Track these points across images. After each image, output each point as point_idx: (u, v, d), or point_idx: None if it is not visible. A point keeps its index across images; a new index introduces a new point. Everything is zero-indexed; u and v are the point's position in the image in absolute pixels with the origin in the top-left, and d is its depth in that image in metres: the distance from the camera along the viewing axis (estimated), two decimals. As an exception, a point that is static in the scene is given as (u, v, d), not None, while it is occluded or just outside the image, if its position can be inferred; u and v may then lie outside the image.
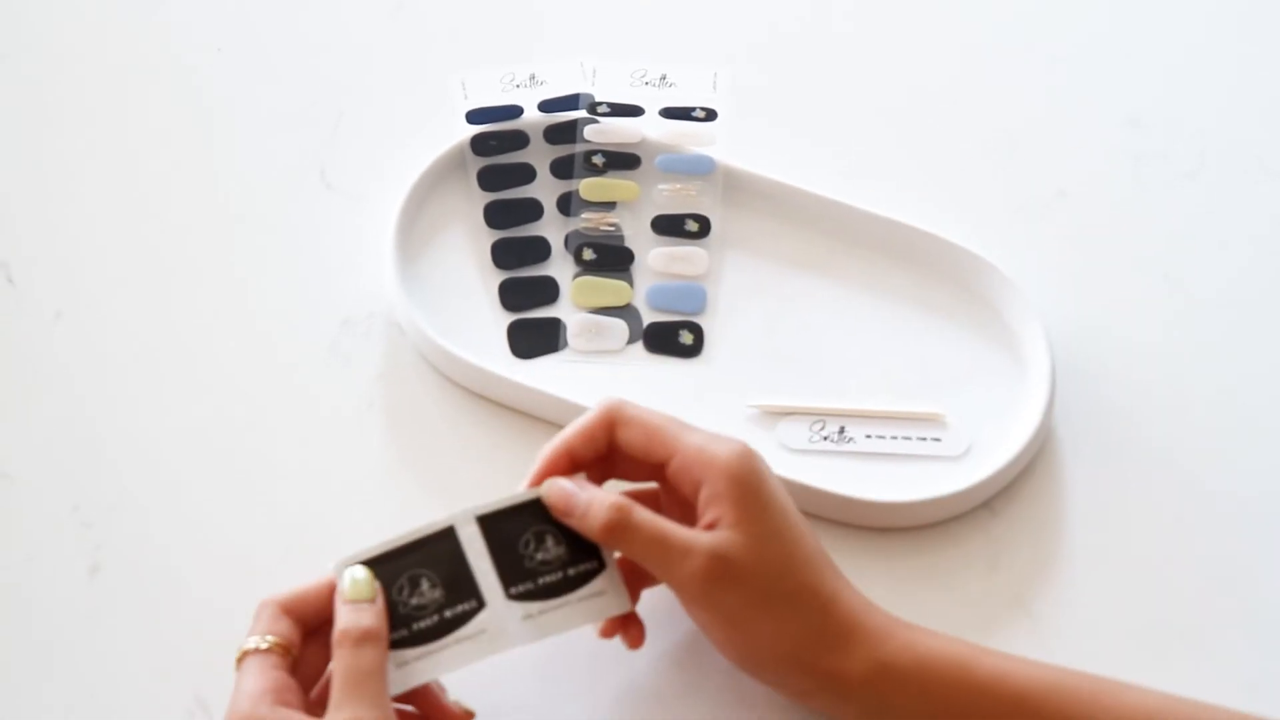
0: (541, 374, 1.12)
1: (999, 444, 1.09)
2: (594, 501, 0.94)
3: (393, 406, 1.13)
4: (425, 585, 0.93)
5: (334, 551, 0.94)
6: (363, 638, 0.90)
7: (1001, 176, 1.25)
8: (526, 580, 0.94)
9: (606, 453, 0.97)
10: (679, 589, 0.94)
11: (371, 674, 0.89)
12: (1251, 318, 1.18)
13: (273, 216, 1.21)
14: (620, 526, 0.93)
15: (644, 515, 0.93)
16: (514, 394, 1.11)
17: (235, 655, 0.91)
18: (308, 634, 0.93)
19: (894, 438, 1.10)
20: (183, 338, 1.15)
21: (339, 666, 0.89)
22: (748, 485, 0.93)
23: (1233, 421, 1.13)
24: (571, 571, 0.95)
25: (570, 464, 0.97)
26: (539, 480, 0.96)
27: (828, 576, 0.94)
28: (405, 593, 0.93)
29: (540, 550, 0.95)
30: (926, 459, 1.09)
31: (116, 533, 1.07)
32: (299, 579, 0.94)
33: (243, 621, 1.00)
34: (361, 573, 0.92)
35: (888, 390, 1.12)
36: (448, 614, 0.93)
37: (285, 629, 0.92)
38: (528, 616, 0.93)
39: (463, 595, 0.93)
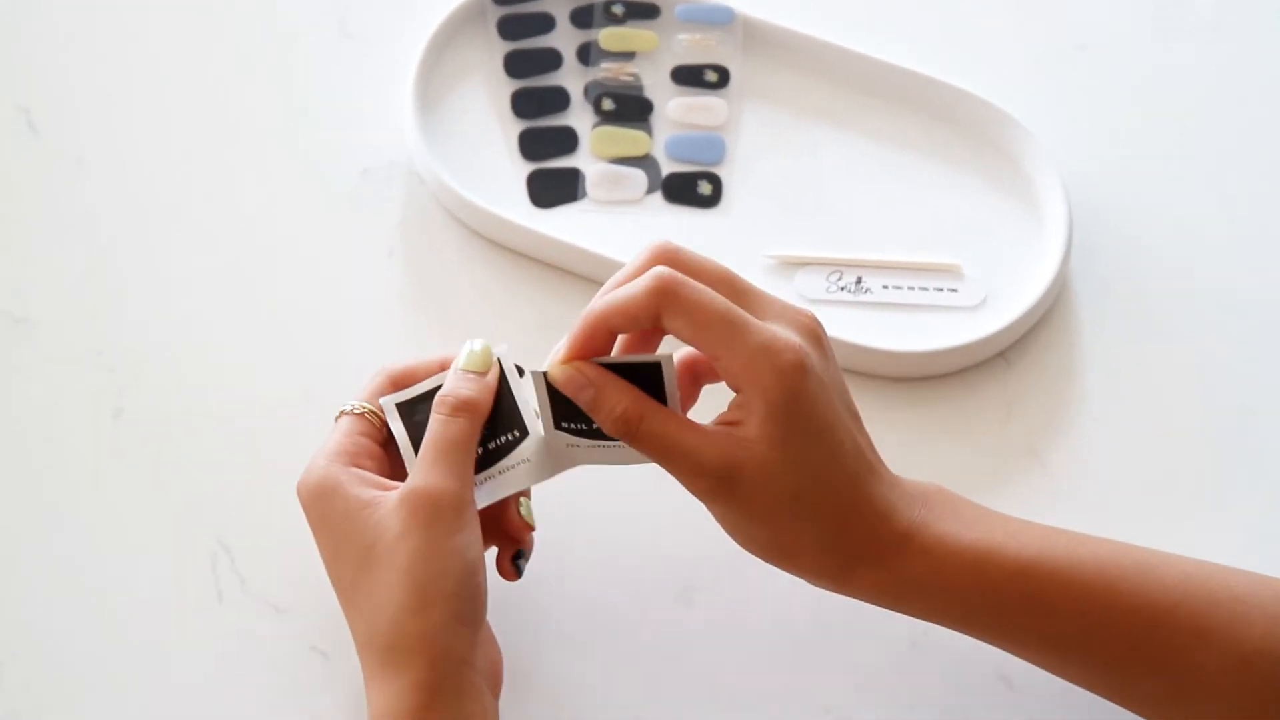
0: (560, 223, 1.12)
1: (1015, 295, 1.10)
2: (603, 401, 0.89)
3: (412, 255, 1.13)
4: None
5: (354, 395, 0.95)
6: (459, 407, 0.90)
7: (1021, 29, 1.24)
8: (577, 419, 0.92)
9: (653, 330, 0.90)
10: (686, 488, 0.90)
11: (456, 444, 0.89)
12: (1269, 171, 1.18)
13: (292, 66, 1.21)
14: (626, 435, 0.88)
15: (652, 427, 0.88)
16: (533, 243, 1.11)
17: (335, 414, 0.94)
18: None
19: (911, 288, 1.10)
20: (203, 186, 1.15)
21: (429, 432, 0.90)
22: (786, 408, 0.86)
23: (1247, 273, 1.13)
24: None
25: (609, 339, 0.90)
26: (574, 352, 0.89)
27: (857, 493, 0.89)
28: None
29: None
30: (943, 309, 1.10)
31: (139, 377, 1.08)
32: (320, 424, 0.96)
33: (265, 466, 1.02)
34: (479, 344, 0.93)
35: (905, 241, 1.13)
36: (491, 445, 0.93)
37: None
38: (571, 445, 0.93)
39: (507, 426, 0.94)
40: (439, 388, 0.92)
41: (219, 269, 1.12)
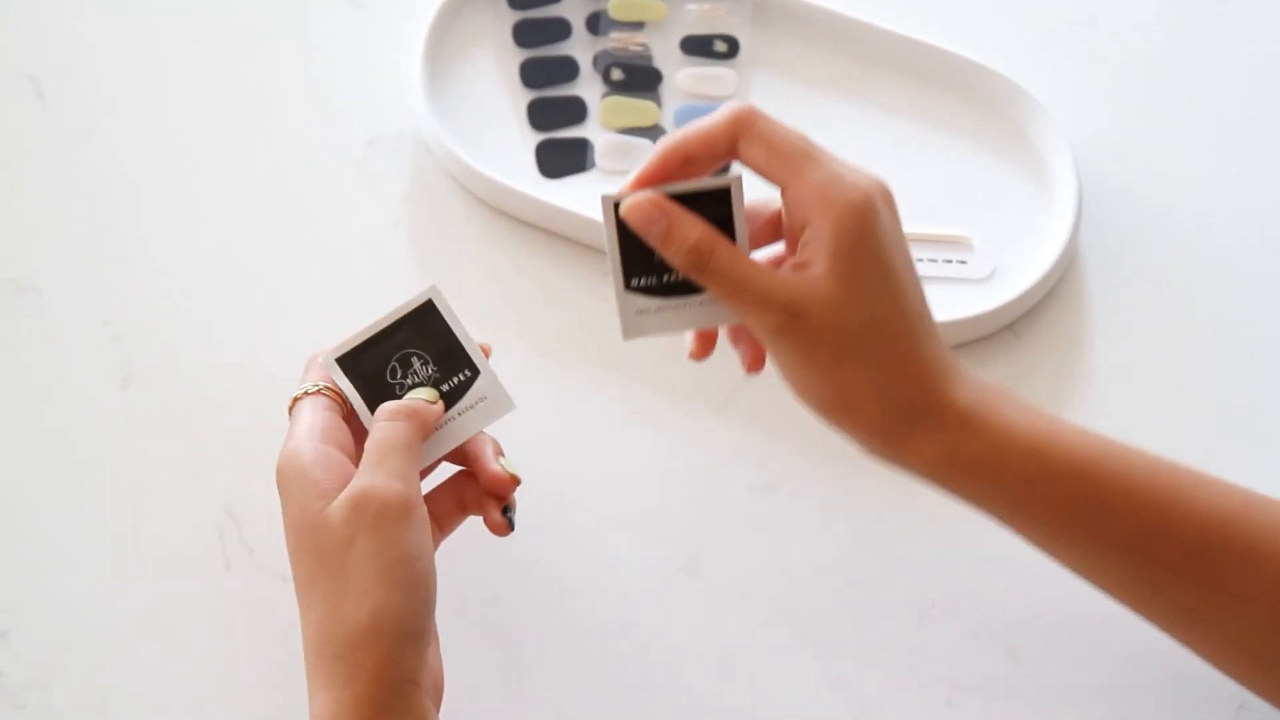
0: (568, 193, 1.12)
1: (1024, 267, 1.10)
2: (675, 232, 0.88)
3: (420, 225, 1.13)
4: (416, 363, 0.94)
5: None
6: (398, 413, 0.90)
7: (1032, 1, 1.24)
8: (647, 272, 0.91)
9: (727, 160, 0.90)
10: (752, 331, 0.91)
11: (398, 447, 0.89)
12: (1277, 143, 1.18)
13: (301, 35, 1.20)
14: (697, 268, 0.88)
15: (723, 259, 0.88)
16: (541, 213, 1.11)
17: (287, 404, 0.92)
18: None
19: (920, 259, 1.10)
20: (211, 155, 1.15)
21: (371, 437, 0.89)
22: (855, 240, 0.86)
23: (1255, 246, 1.13)
24: None
25: (684, 167, 0.89)
26: (648, 178, 0.89)
27: (921, 347, 0.88)
28: (399, 374, 0.93)
29: None
30: (952, 281, 1.10)
31: (147, 347, 1.08)
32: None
33: (272, 436, 1.02)
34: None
35: (914, 212, 1.12)
36: (444, 388, 0.94)
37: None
38: (640, 312, 0.92)
39: (455, 367, 0.94)
40: (376, 335, 0.93)
41: (226, 239, 1.12)
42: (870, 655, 0.99)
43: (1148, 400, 1.07)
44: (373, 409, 0.92)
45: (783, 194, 0.89)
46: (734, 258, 0.88)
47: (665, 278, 0.91)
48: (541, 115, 1.15)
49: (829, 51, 1.18)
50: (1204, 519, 0.87)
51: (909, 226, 1.10)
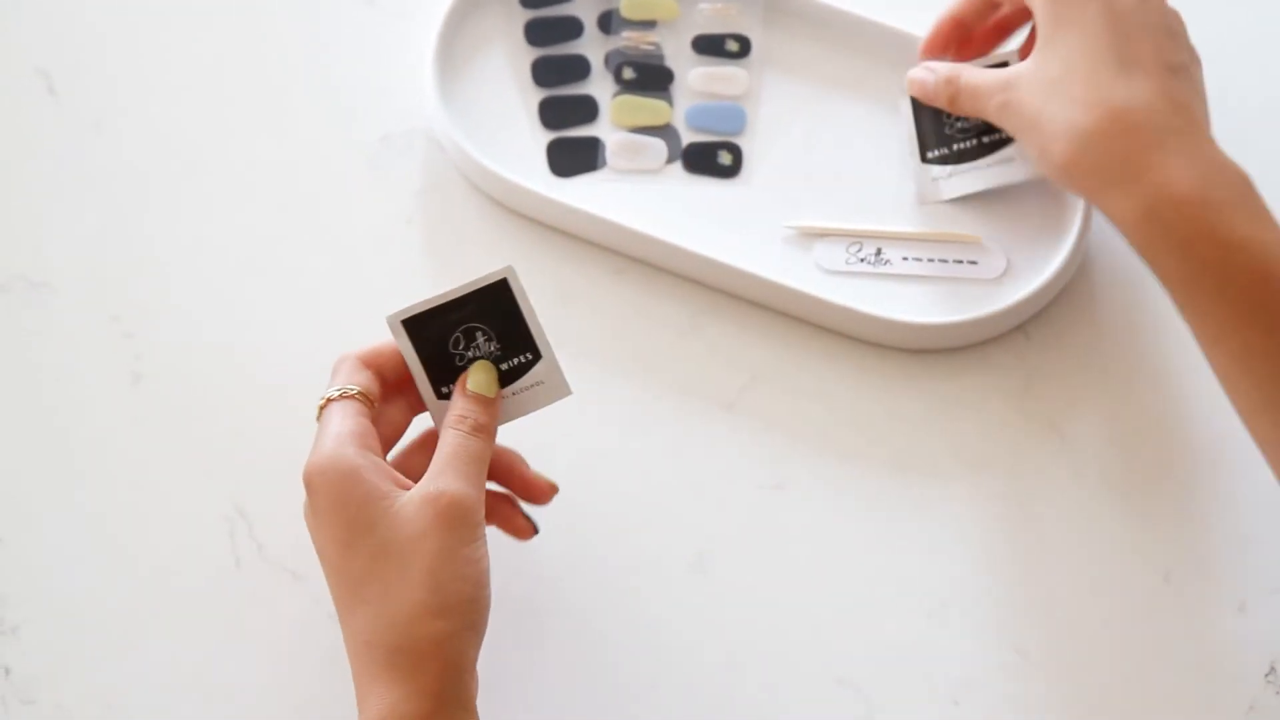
0: (580, 192, 1.12)
1: (1035, 267, 1.09)
2: (939, 77, 1.10)
3: (431, 222, 1.13)
4: (480, 338, 0.94)
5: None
6: (478, 428, 0.91)
7: (1045, 0, 1.24)
8: (940, 144, 1.13)
9: (992, 15, 1.11)
10: (995, 123, 1.07)
11: (478, 459, 0.90)
12: (1293, 145, 1.18)
13: (314, 32, 1.20)
14: (954, 93, 1.08)
15: (966, 77, 1.08)
16: (552, 212, 1.11)
17: (317, 406, 0.91)
18: (385, 391, 0.94)
19: (931, 260, 1.10)
20: (223, 151, 1.15)
21: (451, 442, 0.90)
22: (1057, 10, 1.02)
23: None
24: None
25: (956, 28, 1.11)
26: (931, 48, 1.12)
27: (1115, 94, 0.99)
28: (461, 345, 0.93)
29: None
30: (963, 281, 1.10)
31: (157, 343, 1.08)
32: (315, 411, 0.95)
33: (283, 432, 1.02)
34: (485, 374, 0.93)
35: (925, 212, 1.12)
36: (503, 367, 0.94)
37: (366, 381, 0.92)
38: (934, 179, 1.11)
39: (518, 348, 0.94)
40: (445, 305, 0.93)
41: (238, 235, 1.12)
42: (878, 654, 0.99)
43: (1161, 400, 1.07)
44: (431, 377, 0.92)
45: None
46: (970, 73, 1.08)
47: (955, 146, 1.11)
48: (553, 114, 1.15)
49: (841, 51, 1.18)
50: None
51: (920, 226, 1.11)
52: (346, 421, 0.90)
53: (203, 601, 1.00)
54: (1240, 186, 0.95)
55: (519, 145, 1.14)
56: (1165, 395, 1.08)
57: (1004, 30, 1.12)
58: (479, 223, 1.12)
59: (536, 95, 1.16)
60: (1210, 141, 0.97)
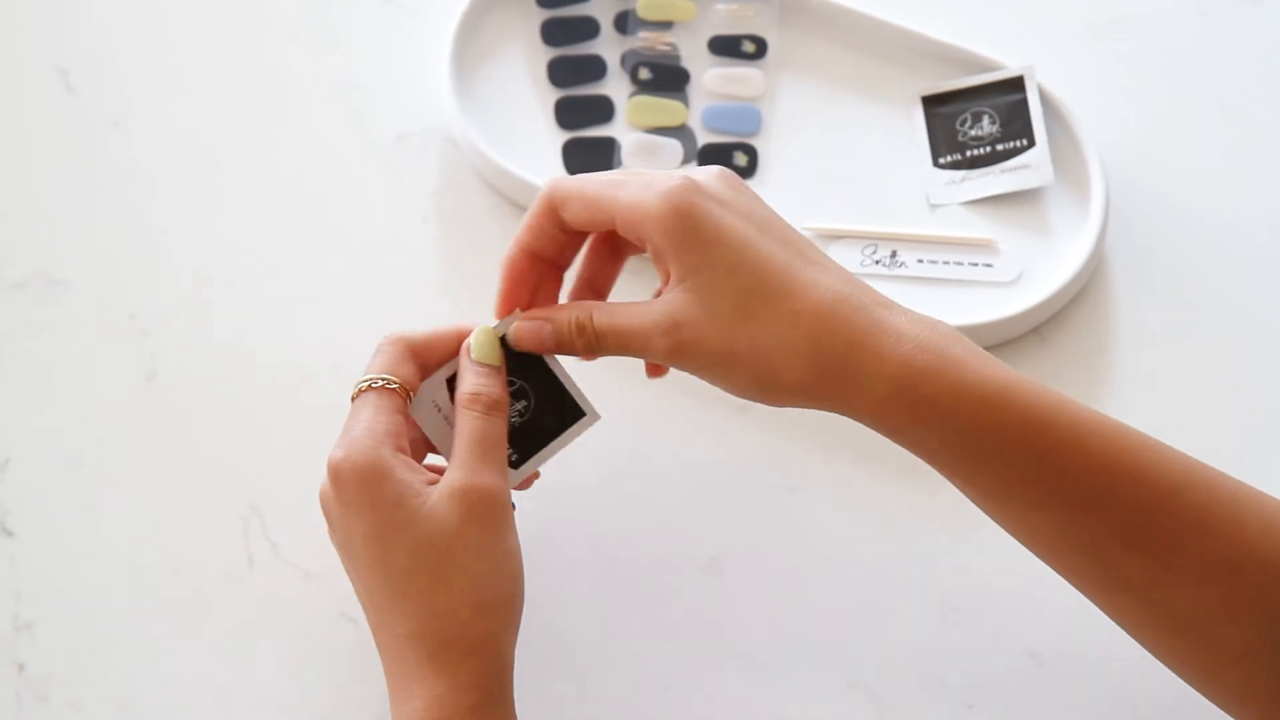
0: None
1: (1051, 270, 1.09)
2: (559, 324, 0.91)
3: (446, 221, 1.13)
4: (521, 403, 0.93)
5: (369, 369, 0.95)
6: (494, 405, 0.90)
7: (1060, 1, 1.24)
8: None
9: (566, 238, 0.93)
10: (657, 362, 0.91)
11: (500, 443, 0.89)
12: (1309, 149, 1.18)
13: (331, 31, 1.20)
14: (589, 342, 0.90)
15: (601, 319, 0.90)
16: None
17: (355, 387, 0.90)
18: None
19: (946, 263, 1.10)
20: (239, 149, 1.15)
21: (469, 428, 0.89)
22: (681, 231, 0.87)
23: (1285, 253, 1.13)
24: None
25: (533, 263, 0.93)
26: (507, 299, 0.93)
27: (810, 296, 0.86)
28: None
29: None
30: (978, 284, 1.10)
31: (173, 341, 1.08)
32: (351, 389, 0.95)
33: (298, 431, 1.02)
34: (490, 334, 0.91)
35: (940, 215, 1.12)
36: (534, 424, 0.94)
37: (409, 374, 0.91)
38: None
39: (561, 410, 0.94)
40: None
41: (253, 234, 1.12)
42: (891, 658, 0.99)
43: (1175, 405, 1.07)
44: (458, 448, 0.89)
45: (618, 231, 0.90)
46: (609, 313, 0.90)
47: (968, 153, 1.08)
48: (569, 113, 1.15)
49: (857, 53, 1.18)
50: (1155, 485, 0.84)
51: (936, 229, 1.11)
52: (380, 417, 0.89)
53: (216, 599, 1.00)
54: (956, 333, 0.88)
55: (535, 144, 1.15)
56: (1179, 400, 1.08)
57: (600, 259, 0.96)
58: (494, 222, 1.12)
59: (552, 95, 1.16)
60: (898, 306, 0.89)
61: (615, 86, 1.17)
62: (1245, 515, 0.85)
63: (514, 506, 0.93)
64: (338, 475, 0.87)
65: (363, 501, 0.87)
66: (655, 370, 0.95)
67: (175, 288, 1.10)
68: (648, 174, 0.89)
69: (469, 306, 1.10)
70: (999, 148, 1.13)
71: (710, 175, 0.90)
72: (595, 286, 0.95)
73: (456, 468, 0.87)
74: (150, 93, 1.17)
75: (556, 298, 0.94)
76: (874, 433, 1.02)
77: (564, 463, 0.97)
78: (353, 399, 0.90)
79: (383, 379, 0.90)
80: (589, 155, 1.14)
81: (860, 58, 1.18)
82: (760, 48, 1.18)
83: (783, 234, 0.89)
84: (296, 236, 1.12)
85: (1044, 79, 1.14)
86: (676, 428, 1.06)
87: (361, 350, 1.04)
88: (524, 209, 1.12)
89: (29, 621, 0.99)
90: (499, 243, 1.11)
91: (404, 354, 0.91)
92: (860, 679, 0.98)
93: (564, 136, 1.15)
